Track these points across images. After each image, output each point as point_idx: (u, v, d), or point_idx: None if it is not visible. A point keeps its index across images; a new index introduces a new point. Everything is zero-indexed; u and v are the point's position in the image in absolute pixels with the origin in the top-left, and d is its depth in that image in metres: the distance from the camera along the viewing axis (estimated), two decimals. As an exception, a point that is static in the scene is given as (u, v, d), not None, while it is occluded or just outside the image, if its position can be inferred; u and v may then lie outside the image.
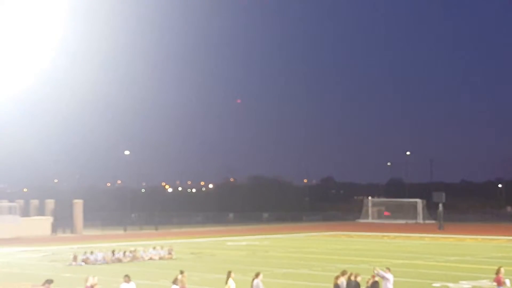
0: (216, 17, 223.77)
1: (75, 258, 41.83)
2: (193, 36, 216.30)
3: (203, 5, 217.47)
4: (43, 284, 19.61)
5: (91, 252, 42.97)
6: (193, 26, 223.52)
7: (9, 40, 46.64)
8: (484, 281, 31.40)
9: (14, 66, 48.78)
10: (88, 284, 22.39)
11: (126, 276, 23.67)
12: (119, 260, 42.71)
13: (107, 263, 41.98)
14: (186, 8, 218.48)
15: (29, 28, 45.96)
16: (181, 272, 24.39)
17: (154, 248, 46.09)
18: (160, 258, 44.47)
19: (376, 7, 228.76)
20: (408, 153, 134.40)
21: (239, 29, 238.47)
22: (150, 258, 44.18)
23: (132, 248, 45.67)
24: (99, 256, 42.69)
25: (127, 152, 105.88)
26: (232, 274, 23.27)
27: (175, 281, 23.37)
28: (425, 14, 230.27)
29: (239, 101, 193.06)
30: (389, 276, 24.07)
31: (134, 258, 43.59)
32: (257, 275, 23.00)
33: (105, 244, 55.47)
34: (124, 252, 43.84)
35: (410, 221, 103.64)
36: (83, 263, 41.37)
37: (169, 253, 45.53)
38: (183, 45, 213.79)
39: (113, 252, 43.53)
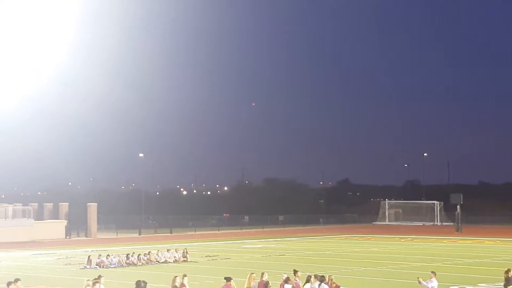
0: (231, 18, 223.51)
1: (89, 262, 41.50)
2: (208, 38, 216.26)
3: (215, 8, 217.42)
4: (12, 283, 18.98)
5: (107, 256, 42.62)
6: (207, 28, 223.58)
7: (21, 43, 46.59)
8: (503, 283, 30.71)
9: (28, 69, 48.74)
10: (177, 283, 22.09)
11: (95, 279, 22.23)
12: (134, 264, 42.35)
13: (122, 266, 41.62)
14: (200, 10, 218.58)
15: (40, 30, 45.88)
16: (295, 272, 23.23)
17: (168, 250, 45.65)
18: (175, 261, 44.07)
19: (391, 7, 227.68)
20: (425, 154, 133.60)
21: (254, 29, 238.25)
22: (165, 261, 43.78)
23: (147, 251, 45.27)
24: (114, 259, 42.33)
25: (141, 155, 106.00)
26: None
27: (286, 281, 22.44)
28: (438, 16, 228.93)
29: (253, 104, 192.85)
30: (434, 282, 23.68)
31: (148, 261, 43.23)
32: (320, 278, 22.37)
33: (119, 248, 55.14)
34: (139, 255, 43.46)
35: (427, 223, 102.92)
36: (97, 267, 41.02)
37: (184, 256, 45.12)
38: (198, 47, 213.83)
39: (127, 255, 43.18)
